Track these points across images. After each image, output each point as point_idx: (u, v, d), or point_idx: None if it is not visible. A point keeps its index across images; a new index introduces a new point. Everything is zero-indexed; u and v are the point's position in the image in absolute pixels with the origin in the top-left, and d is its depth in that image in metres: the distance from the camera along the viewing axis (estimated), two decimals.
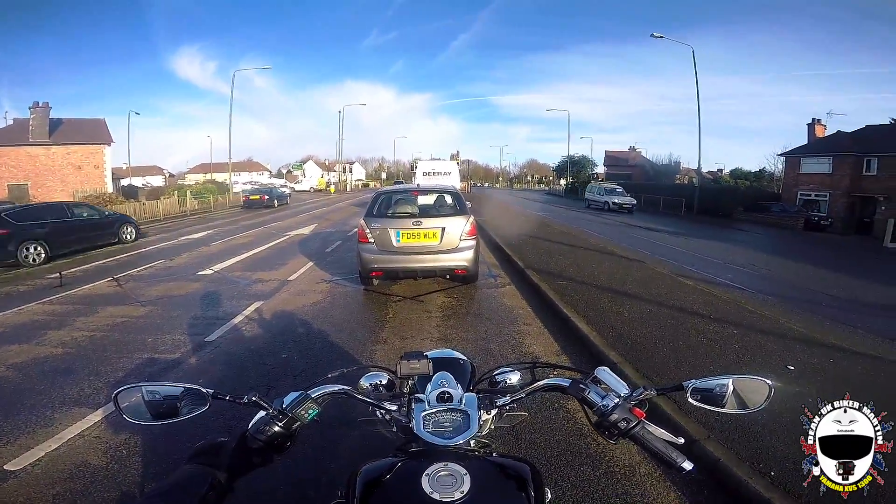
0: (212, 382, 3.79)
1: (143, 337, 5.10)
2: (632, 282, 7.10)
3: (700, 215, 28.28)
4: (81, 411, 3.46)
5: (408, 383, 1.26)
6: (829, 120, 33.48)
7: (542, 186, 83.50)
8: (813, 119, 32.63)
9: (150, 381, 1.07)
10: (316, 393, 1.07)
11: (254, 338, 5.07)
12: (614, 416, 1.01)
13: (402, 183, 29.82)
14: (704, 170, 43.32)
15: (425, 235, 6.25)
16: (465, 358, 1.44)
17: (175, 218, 21.81)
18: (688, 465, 0.97)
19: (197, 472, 0.93)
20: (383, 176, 72.92)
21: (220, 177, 42.25)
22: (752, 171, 51.92)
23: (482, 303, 6.33)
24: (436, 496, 0.82)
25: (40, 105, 26.60)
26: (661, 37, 28.78)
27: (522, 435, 2.97)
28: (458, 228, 6.31)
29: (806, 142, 32.06)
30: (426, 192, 7.43)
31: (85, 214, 12.58)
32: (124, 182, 36.26)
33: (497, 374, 1.39)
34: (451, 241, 6.27)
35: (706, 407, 1.08)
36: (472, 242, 6.41)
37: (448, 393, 1.08)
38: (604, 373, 1.10)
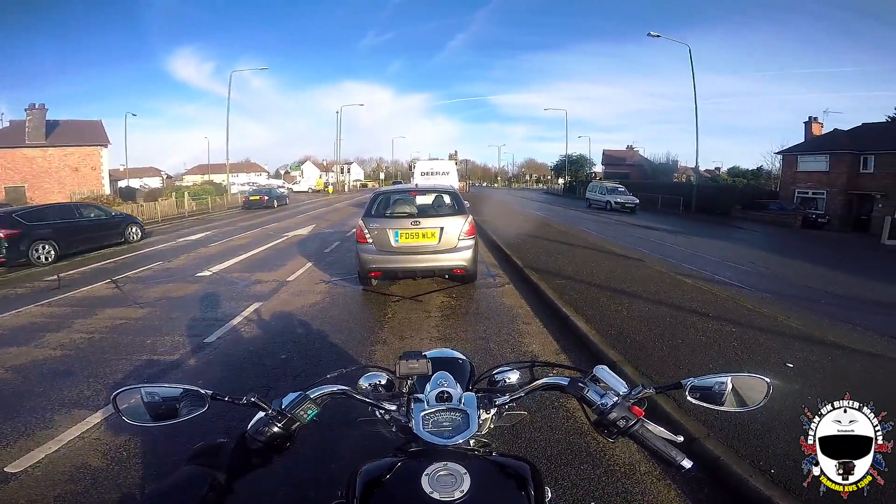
0: (211, 384, 3.79)
1: (141, 339, 5.10)
2: (631, 280, 7.11)
3: (698, 214, 28.32)
4: (81, 413, 3.45)
5: (407, 383, 1.26)
6: (826, 118, 33.63)
7: (541, 186, 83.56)
8: (810, 117, 32.71)
9: (149, 383, 1.07)
10: (315, 393, 1.07)
11: (253, 339, 5.07)
12: (613, 415, 1.01)
13: (400, 183, 29.84)
14: (702, 168, 43.50)
15: (424, 235, 6.25)
16: (464, 357, 1.44)
17: (173, 219, 21.78)
18: (687, 464, 0.98)
19: (196, 473, 0.93)
20: (381, 176, 72.87)
21: (217, 178, 42.21)
22: (750, 169, 51.94)
23: (481, 302, 6.33)
24: (436, 496, 0.82)
25: (37, 107, 26.54)
26: (658, 36, 28.77)
27: (522, 434, 2.98)
28: (456, 228, 6.31)
29: (803, 140, 32.12)
30: (424, 192, 7.42)
31: (92, 215, 12.87)
32: (122, 184, 36.21)
33: (496, 374, 1.39)
34: (449, 241, 6.27)
35: (705, 405, 1.08)
36: (471, 242, 6.41)
37: (447, 392, 1.08)
38: (602, 371, 1.10)
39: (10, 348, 4.90)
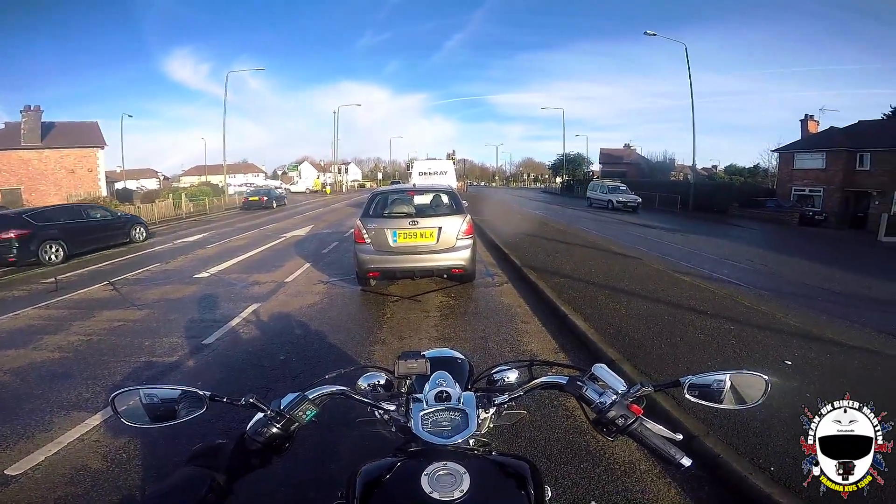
0: (210, 385, 3.79)
1: (140, 340, 5.08)
2: (629, 279, 7.12)
3: (695, 212, 28.33)
4: (80, 415, 3.45)
5: (406, 383, 1.26)
6: (822, 116, 33.52)
7: (538, 185, 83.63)
8: (806, 115, 32.64)
9: (147, 385, 1.07)
10: (313, 394, 1.07)
11: (251, 340, 5.06)
12: (612, 413, 1.01)
13: (399, 183, 29.81)
14: (699, 166, 43.57)
15: (422, 235, 6.25)
16: (462, 357, 1.44)
17: (170, 221, 21.72)
18: (686, 462, 0.98)
19: (196, 474, 0.93)
20: (379, 176, 72.91)
21: (215, 179, 42.20)
22: (747, 167, 52.07)
23: (480, 302, 6.33)
24: (435, 496, 0.82)
25: (32, 108, 26.41)
26: (654, 34, 28.79)
27: (522, 433, 2.98)
28: (454, 228, 6.31)
29: (799, 138, 32.15)
30: (422, 191, 7.42)
31: (98, 216, 13.22)
32: (118, 185, 36.09)
33: (495, 373, 1.39)
34: (447, 241, 6.27)
35: (703, 403, 1.08)
36: (469, 241, 6.41)
37: (446, 392, 1.08)
38: (601, 370, 1.10)
39: (7, 351, 4.88)
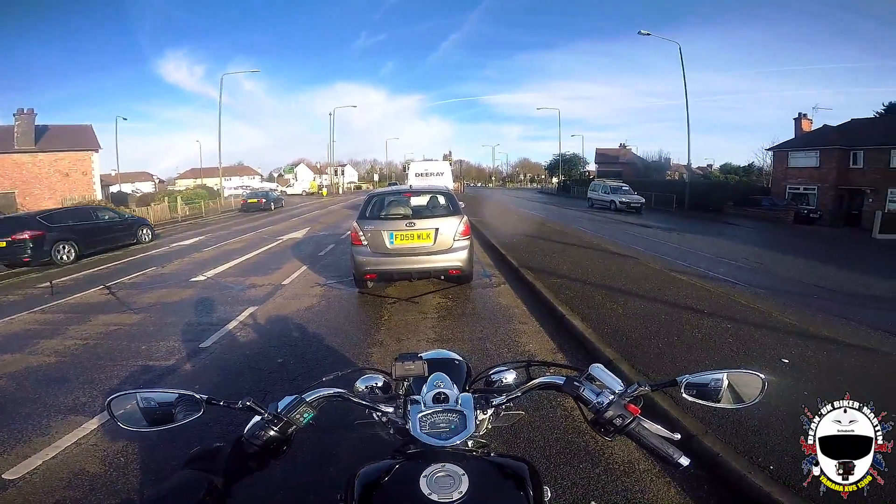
0: (207, 388, 3.77)
1: (136, 344, 5.06)
2: (626, 278, 7.13)
3: (691, 211, 28.44)
4: (77, 419, 3.43)
5: (403, 385, 1.26)
6: (816, 114, 33.92)
7: (535, 185, 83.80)
8: (799, 114, 32.86)
9: (144, 388, 1.06)
10: (311, 397, 1.07)
11: (248, 343, 5.04)
12: (609, 414, 1.01)
13: (397, 184, 29.83)
14: (694, 165, 43.64)
15: (419, 237, 6.25)
16: (460, 358, 1.44)
17: (166, 224, 21.63)
18: (684, 461, 0.98)
19: (194, 478, 0.93)
20: (376, 178, 72.92)
21: (210, 181, 42.06)
22: (742, 165, 52.43)
23: (477, 303, 6.34)
24: (434, 497, 0.82)
25: (25, 111, 26.23)
26: (649, 34, 28.95)
27: (520, 434, 2.98)
28: (451, 229, 6.30)
29: (793, 136, 32.34)
30: (419, 193, 7.41)
31: (107, 217, 13.73)
32: (113, 188, 35.96)
33: (493, 374, 1.39)
34: (444, 242, 6.26)
35: (701, 402, 1.08)
36: (466, 243, 6.41)
37: (444, 394, 1.08)
38: (598, 370, 1.10)
39: (3, 355, 4.85)
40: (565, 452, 2.82)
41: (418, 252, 6.25)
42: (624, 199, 28.13)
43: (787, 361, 3.89)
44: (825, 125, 30.29)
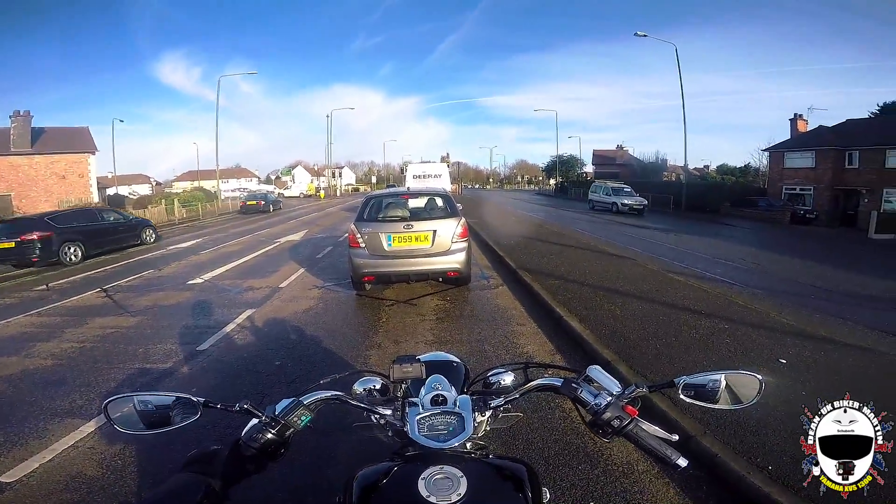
0: (205, 391, 3.75)
1: (134, 347, 5.04)
2: (623, 279, 7.14)
3: (688, 212, 28.51)
4: (74, 422, 3.42)
5: (401, 387, 1.26)
6: (811, 115, 34.02)
7: (532, 187, 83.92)
8: (795, 114, 32.98)
9: (141, 391, 1.06)
10: (308, 399, 1.06)
11: (246, 346, 5.03)
12: (607, 415, 1.01)
13: (394, 187, 29.77)
14: (691, 166, 43.88)
15: (416, 239, 6.24)
16: (458, 360, 1.44)
17: (163, 227, 21.52)
18: (682, 462, 0.98)
19: (191, 480, 0.92)
20: (373, 180, 72.84)
21: (207, 184, 41.97)
22: (738, 166, 52.59)
23: (475, 304, 6.33)
24: (433, 499, 0.82)
25: (21, 114, 26.18)
26: (645, 35, 28.97)
27: (519, 435, 2.98)
28: (449, 231, 6.30)
29: (789, 137, 32.47)
30: (417, 195, 7.41)
31: (112, 218, 14.09)
32: (110, 191, 35.90)
33: (491, 376, 1.39)
34: (442, 244, 6.26)
35: (698, 403, 1.08)
36: (464, 244, 6.41)
37: (442, 396, 1.08)
38: (595, 371, 1.10)
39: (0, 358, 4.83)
40: (564, 454, 2.82)
41: (416, 254, 6.25)
42: (626, 201, 27.40)
43: (784, 362, 3.90)
44: (821, 126, 30.44)
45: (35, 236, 11.01)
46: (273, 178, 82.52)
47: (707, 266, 10.18)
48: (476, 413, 1.08)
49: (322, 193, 53.61)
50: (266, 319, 5.92)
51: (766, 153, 34.02)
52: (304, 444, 2.69)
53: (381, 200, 7.05)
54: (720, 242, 15.47)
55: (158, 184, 62.18)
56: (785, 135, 33.01)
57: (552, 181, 65.21)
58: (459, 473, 0.86)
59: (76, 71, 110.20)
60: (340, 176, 71.05)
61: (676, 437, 1.01)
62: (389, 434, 1.16)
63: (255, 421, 1.01)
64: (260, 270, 9.31)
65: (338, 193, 58.50)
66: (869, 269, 11.80)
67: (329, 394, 1.10)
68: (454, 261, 6.30)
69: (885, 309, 7.11)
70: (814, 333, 4.71)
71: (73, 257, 11.65)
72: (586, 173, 60.97)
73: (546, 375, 1.22)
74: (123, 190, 40.84)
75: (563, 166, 60.95)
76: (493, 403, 1.12)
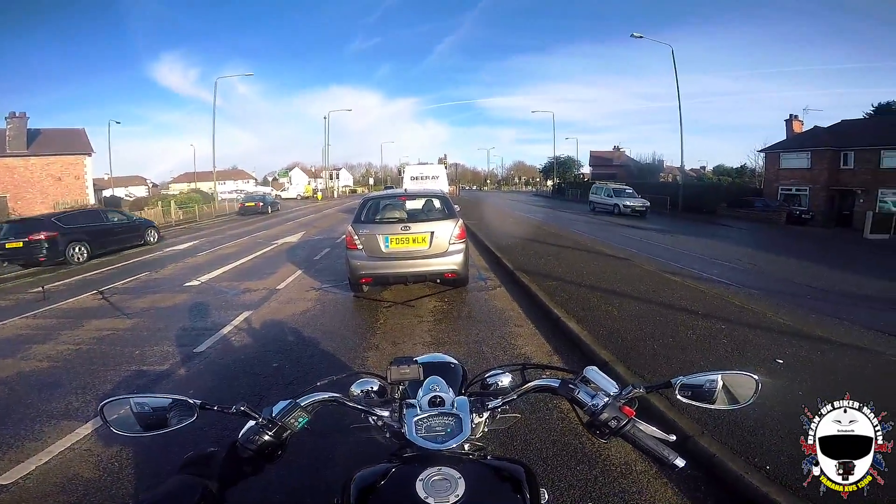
0: (202, 393, 3.74)
1: (130, 349, 5.02)
2: (620, 280, 7.16)
3: (685, 212, 28.58)
4: (70, 424, 3.41)
5: (399, 389, 1.25)
6: (806, 115, 34.28)
7: (530, 188, 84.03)
8: (790, 115, 33.15)
9: (137, 393, 1.06)
10: (305, 401, 1.06)
11: (243, 347, 5.02)
12: (604, 416, 1.01)
13: (392, 188, 29.80)
14: (687, 167, 43.97)
15: (414, 240, 6.24)
16: (455, 361, 1.44)
17: (160, 228, 21.50)
18: (680, 462, 0.98)
19: (188, 482, 0.92)
20: (371, 181, 72.85)
21: (204, 186, 41.88)
22: (734, 167, 52.78)
23: (473, 306, 6.33)
24: (431, 501, 0.82)
25: (17, 115, 26.01)
26: (641, 37, 29.03)
27: (517, 436, 2.97)
28: (446, 232, 6.30)
29: (784, 137, 32.62)
30: (414, 196, 7.41)
31: (116, 219, 14.48)
32: (106, 193, 35.74)
33: (488, 377, 1.39)
34: (440, 245, 6.26)
35: (695, 403, 1.08)
36: (462, 246, 6.41)
37: (439, 397, 1.08)
38: (593, 372, 1.10)
39: None
40: (562, 454, 2.82)
41: (414, 256, 6.24)
42: (628, 203, 26.70)
43: (781, 362, 3.91)
44: (816, 126, 30.59)
45: (42, 236, 11.31)
46: (270, 179, 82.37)
47: (704, 267, 10.21)
48: (474, 414, 1.08)
49: (319, 195, 53.61)
50: (263, 321, 5.91)
51: (762, 154, 34.21)
52: (302, 445, 2.67)
53: (379, 202, 7.04)
54: (717, 243, 15.52)
55: (155, 185, 61.98)
56: (781, 135, 33.20)
57: (549, 182, 65.35)
58: (457, 475, 0.86)
59: (73, 72, 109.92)
60: (338, 177, 70.95)
61: (674, 438, 1.01)
62: (387, 435, 1.16)
63: (252, 423, 1.01)
64: (257, 272, 9.28)
65: (335, 195, 58.44)
66: (864, 269, 11.86)
67: (326, 395, 1.10)
68: (452, 262, 6.30)
69: (880, 309, 7.15)
70: (810, 333, 4.72)
71: (79, 257, 11.92)
72: (583, 174, 61.16)
73: (544, 376, 1.22)
74: (120, 192, 40.74)
75: (560, 167, 61.06)
76: (491, 404, 1.12)
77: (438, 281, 6.85)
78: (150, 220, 17.42)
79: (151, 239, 15.38)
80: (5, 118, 25.96)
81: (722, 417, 2.90)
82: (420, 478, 0.86)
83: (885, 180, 24.63)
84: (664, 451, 0.99)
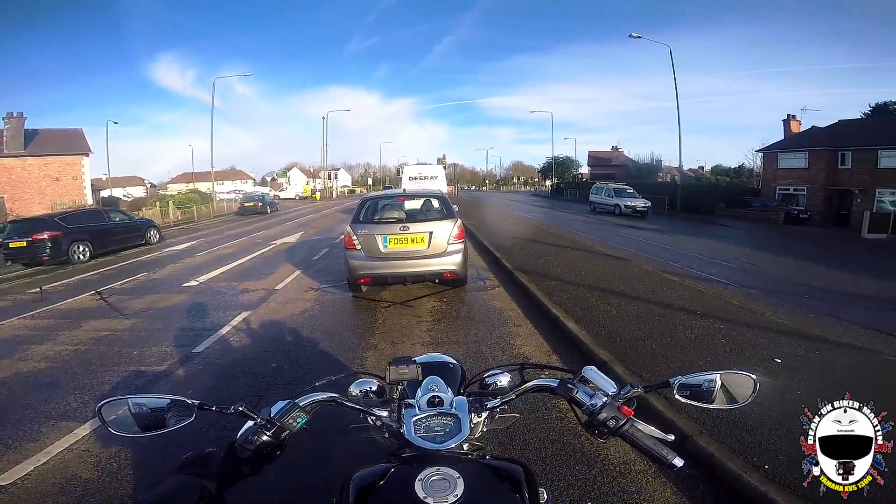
0: (200, 394, 3.74)
1: (128, 350, 5.02)
2: (619, 280, 7.16)
3: (683, 212, 28.59)
4: (68, 425, 3.41)
5: (398, 389, 1.25)
6: (804, 115, 34.24)
7: (528, 188, 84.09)
8: (788, 115, 33.27)
9: (135, 394, 1.06)
10: (304, 401, 1.06)
11: (242, 348, 5.01)
12: (603, 415, 1.01)
13: (391, 188, 29.78)
14: (686, 167, 44.00)
15: (413, 240, 6.23)
16: (454, 361, 1.43)
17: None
18: (678, 462, 0.98)
19: (187, 483, 0.92)
20: (369, 182, 72.84)
21: (202, 186, 41.85)
22: (732, 167, 52.93)
23: (472, 306, 6.33)
24: (430, 501, 0.82)
25: (14, 115, 25.91)
26: (639, 37, 29.11)
27: (516, 436, 2.97)
28: (445, 232, 6.29)
29: (782, 137, 32.69)
30: (413, 196, 7.40)
31: (118, 219, 14.68)
32: (104, 193, 35.67)
33: (487, 377, 1.39)
34: (438, 246, 6.25)
35: (693, 403, 1.08)
36: (461, 246, 6.40)
37: (438, 397, 1.08)
38: (591, 372, 1.10)
39: None
40: (561, 454, 2.82)
41: (412, 256, 6.24)
42: (629, 203, 26.21)
43: (779, 361, 3.92)
44: (813, 126, 30.68)
45: (46, 236, 11.52)
46: (269, 179, 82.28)
47: (702, 266, 10.23)
48: (472, 414, 1.08)
49: (318, 195, 53.57)
50: (262, 321, 5.90)
51: (760, 154, 34.32)
52: (301, 446, 2.68)
53: (378, 202, 7.03)
54: (715, 243, 15.55)
55: (153, 186, 61.86)
56: (778, 135, 33.30)
57: (548, 182, 65.40)
58: (456, 474, 0.86)
59: (70, 72, 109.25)
60: (336, 178, 70.91)
61: (672, 437, 1.01)
62: (386, 436, 1.16)
63: (250, 423, 1.01)
64: (256, 272, 9.27)
65: (333, 195, 58.40)
66: (862, 268, 11.89)
67: (325, 395, 1.10)
68: (451, 262, 6.29)
69: (878, 308, 7.16)
70: (808, 333, 4.73)
71: (81, 256, 12.12)
72: (582, 174, 61.28)
73: (542, 376, 1.22)
74: (117, 192, 40.63)
75: (558, 167, 61.11)
76: (490, 404, 1.12)
77: (437, 281, 6.85)
78: (151, 220, 17.54)
79: (153, 239, 15.56)
80: (2, 118, 25.85)
81: (720, 417, 2.90)
82: (419, 478, 0.86)
83: (882, 180, 24.72)
84: (663, 450, 0.99)
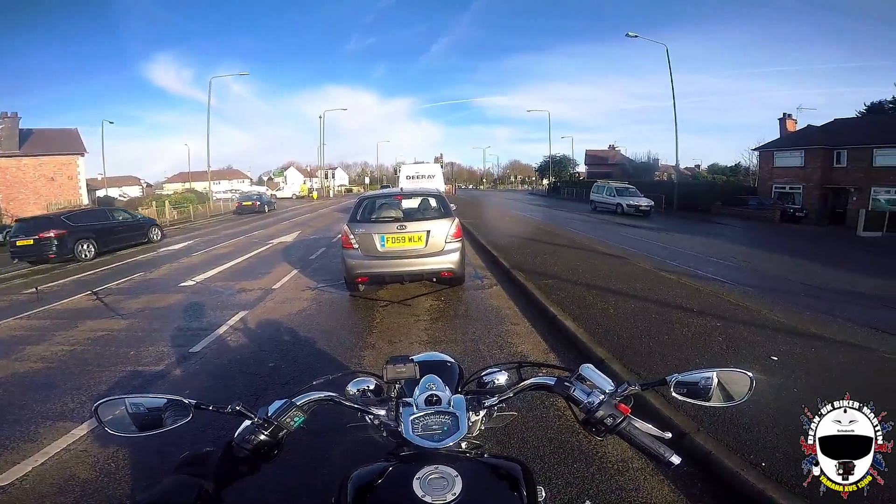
0: (197, 393, 3.73)
1: (125, 350, 5.00)
2: (616, 278, 7.17)
3: (680, 211, 28.65)
4: (66, 425, 3.39)
5: (395, 387, 1.25)
6: (800, 114, 34.26)
7: (526, 187, 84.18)
8: (784, 114, 33.33)
9: (132, 394, 1.05)
10: (301, 400, 1.06)
11: (239, 347, 5.00)
12: (600, 413, 1.01)
13: (388, 187, 29.74)
14: (682, 166, 44.15)
15: (410, 239, 6.23)
16: (452, 360, 1.43)
17: None
18: (675, 459, 0.98)
19: (184, 482, 0.92)
20: (367, 181, 72.73)
21: (199, 185, 41.72)
22: (729, 165, 53.09)
23: (469, 304, 6.34)
24: (428, 499, 0.82)
25: (9, 115, 25.84)
26: (636, 36, 29.15)
27: (514, 434, 2.98)
28: (442, 231, 6.29)
29: (778, 136, 32.76)
30: (410, 195, 7.40)
31: (121, 218, 14.98)
32: (100, 193, 35.54)
33: (484, 375, 1.39)
34: (436, 244, 6.25)
35: (690, 401, 1.08)
36: (458, 244, 6.41)
37: (436, 396, 1.08)
38: (588, 370, 1.10)
39: None
40: (559, 452, 2.82)
41: (410, 254, 6.23)
42: (632, 202, 25.77)
43: (775, 359, 3.93)
44: (809, 125, 30.77)
45: (52, 234, 11.79)
46: (265, 179, 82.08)
47: (699, 264, 10.25)
48: (470, 412, 1.08)
49: (315, 194, 53.44)
50: (259, 321, 5.89)
51: (756, 152, 34.32)
52: (298, 445, 2.68)
53: (375, 201, 7.03)
54: (711, 241, 15.59)
55: (149, 185, 61.68)
56: (774, 134, 33.37)
57: (545, 181, 65.50)
58: (454, 473, 0.86)
59: (66, 72, 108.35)
60: (333, 177, 70.71)
61: (669, 435, 1.01)
62: (384, 434, 1.16)
63: (247, 422, 1.00)
64: (253, 272, 9.25)
65: (331, 194, 58.28)
66: (858, 266, 11.94)
67: (322, 395, 1.10)
68: (448, 261, 6.29)
69: (874, 306, 7.19)
70: (804, 331, 4.75)
71: (86, 254, 12.41)
72: (579, 173, 61.40)
73: (540, 374, 1.22)
74: (113, 192, 40.49)
75: (555, 166, 61.21)
76: (488, 403, 1.12)
77: (435, 280, 6.85)
78: (153, 219, 17.89)
79: (154, 237, 15.87)
80: None
81: (717, 414, 2.91)
82: (417, 476, 0.86)
83: (877, 178, 24.80)
84: (660, 448, 0.99)
